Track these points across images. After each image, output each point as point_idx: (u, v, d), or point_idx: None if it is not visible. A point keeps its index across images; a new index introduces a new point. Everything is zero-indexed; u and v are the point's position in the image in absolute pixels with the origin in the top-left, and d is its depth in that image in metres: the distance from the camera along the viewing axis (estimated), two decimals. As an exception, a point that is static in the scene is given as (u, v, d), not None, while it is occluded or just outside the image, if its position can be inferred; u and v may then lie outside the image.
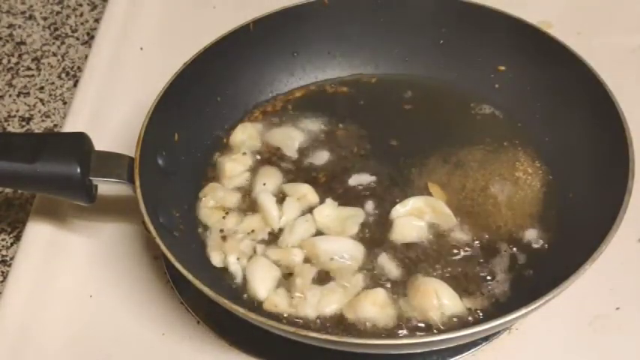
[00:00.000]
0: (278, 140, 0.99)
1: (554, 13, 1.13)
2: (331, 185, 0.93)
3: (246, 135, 0.99)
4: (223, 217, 0.90)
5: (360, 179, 0.93)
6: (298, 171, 0.96)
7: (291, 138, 0.99)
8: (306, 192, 0.92)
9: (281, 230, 0.89)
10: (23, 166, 0.84)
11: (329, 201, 0.91)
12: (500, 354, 0.85)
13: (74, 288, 0.92)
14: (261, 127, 1.01)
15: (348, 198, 0.92)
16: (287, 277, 0.85)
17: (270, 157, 0.97)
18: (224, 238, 0.89)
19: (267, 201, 0.90)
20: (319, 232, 0.88)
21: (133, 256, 0.94)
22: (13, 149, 0.85)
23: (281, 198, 0.92)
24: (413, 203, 0.89)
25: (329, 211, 0.90)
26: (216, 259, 0.87)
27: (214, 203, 0.92)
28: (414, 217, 0.88)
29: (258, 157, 0.97)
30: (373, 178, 0.93)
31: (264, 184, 0.93)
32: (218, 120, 1.00)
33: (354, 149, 0.97)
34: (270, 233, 0.89)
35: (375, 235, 0.88)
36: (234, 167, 0.95)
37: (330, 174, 0.95)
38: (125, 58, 1.17)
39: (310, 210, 0.90)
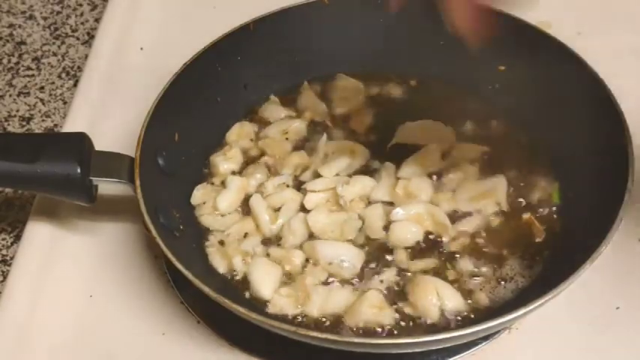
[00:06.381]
0: (272, 141, 0.99)
1: (554, 13, 1.13)
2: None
3: (241, 134, 0.99)
4: (217, 215, 0.91)
5: (359, 179, 0.93)
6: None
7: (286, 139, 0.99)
8: (294, 196, 0.91)
9: (274, 235, 0.89)
10: (23, 166, 0.84)
11: (322, 206, 0.91)
12: (500, 354, 0.85)
13: (74, 288, 0.92)
14: (257, 128, 1.01)
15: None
16: (289, 276, 0.86)
17: (261, 155, 0.97)
18: (222, 242, 0.89)
19: (258, 206, 0.90)
20: (316, 238, 0.88)
21: (134, 255, 0.94)
22: (14, 149, 0.86)
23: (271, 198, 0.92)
24: (413, 209, 0.89)
25: (322, 217, 0.89)
26: (220, 267, 0.87)
27: (209, 206, 0.92)
28: (412, 222, 0.88)
29: (251, 155, 0.98)
30: (372, 181, 0.93)
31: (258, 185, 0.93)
32: (218, 120, 1.00)
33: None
34: (264, 237, 0.89)
35: (374, 238, 0.88)
36: (227, 165, 0.96)
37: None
38: (125, 58, 1.17)
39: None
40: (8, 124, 1.15)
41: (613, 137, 0.85)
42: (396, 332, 0.81)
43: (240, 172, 0.96)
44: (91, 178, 0.87)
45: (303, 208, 0.91)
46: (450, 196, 0.91)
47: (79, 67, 1.22)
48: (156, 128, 0.89)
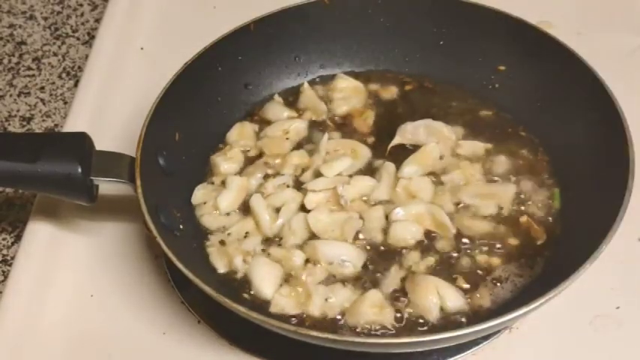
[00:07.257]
0: (272, 141, 0.99)
1: (554, 13, 1.13)
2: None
3: (242, 134, 0.99)
4: (218, 215, 0.91)
5: (360, 179, 0.93)
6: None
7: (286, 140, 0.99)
8: (294, 196, 0.91)
9: (274, 235, 0.89)
10: (24, 165, 0.84)
11: (322, 206, 0.91)
12: (501, 353, 0.85)
13: (75, 287, 0.92)
14: (257, 127, 1.01)
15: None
16: (289, 276, 0.85)
17: (262, 155, 0.97)
18: (222, 242, 0.89)
19: (259, 206, 0.90)
20: (316, 237, 0.88)
21: (134, 255, 0.94)
22: (14, 149, 0.86)
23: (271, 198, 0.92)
24: (414, 208, 0.89)
25: (323, 217, 0.89)
26: (221, 267, 0.87)
27: (209, 205, 0.92)
28: (413, 222, 0.88)
29: (252, 155, 0.98)
30: (372, 181, 0.93)
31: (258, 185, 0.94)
32: (219, 120, 1.00)
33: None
34: (264, 237, 0.89)
35: (374, 238, 0.88)
36: (228, 165, 0.95)
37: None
38: (125, 58, 1.17)
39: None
40: (9, 124, 1.15)
41: (613, 137, 0.85)
42: (396, 332, 0.81)
43: (240, 172, 0.96)
44: (92, 177, 0.87)
45: (303, 208, 0.91)
46: (451, 196, 0.91)
47: (79, 67, 1.22)
48: (156, 128, 0.89)
